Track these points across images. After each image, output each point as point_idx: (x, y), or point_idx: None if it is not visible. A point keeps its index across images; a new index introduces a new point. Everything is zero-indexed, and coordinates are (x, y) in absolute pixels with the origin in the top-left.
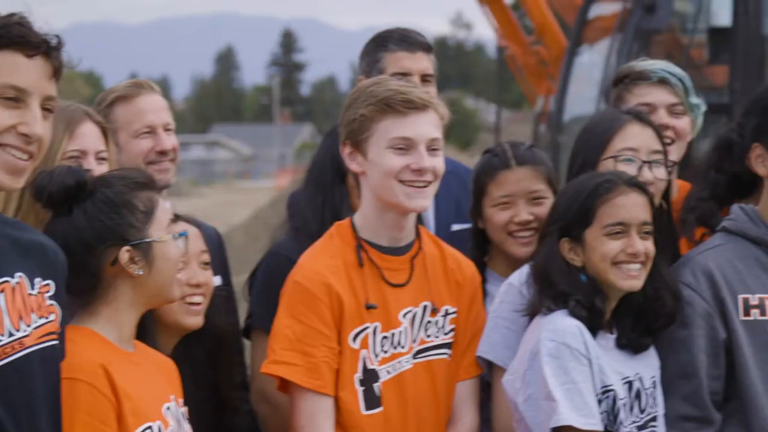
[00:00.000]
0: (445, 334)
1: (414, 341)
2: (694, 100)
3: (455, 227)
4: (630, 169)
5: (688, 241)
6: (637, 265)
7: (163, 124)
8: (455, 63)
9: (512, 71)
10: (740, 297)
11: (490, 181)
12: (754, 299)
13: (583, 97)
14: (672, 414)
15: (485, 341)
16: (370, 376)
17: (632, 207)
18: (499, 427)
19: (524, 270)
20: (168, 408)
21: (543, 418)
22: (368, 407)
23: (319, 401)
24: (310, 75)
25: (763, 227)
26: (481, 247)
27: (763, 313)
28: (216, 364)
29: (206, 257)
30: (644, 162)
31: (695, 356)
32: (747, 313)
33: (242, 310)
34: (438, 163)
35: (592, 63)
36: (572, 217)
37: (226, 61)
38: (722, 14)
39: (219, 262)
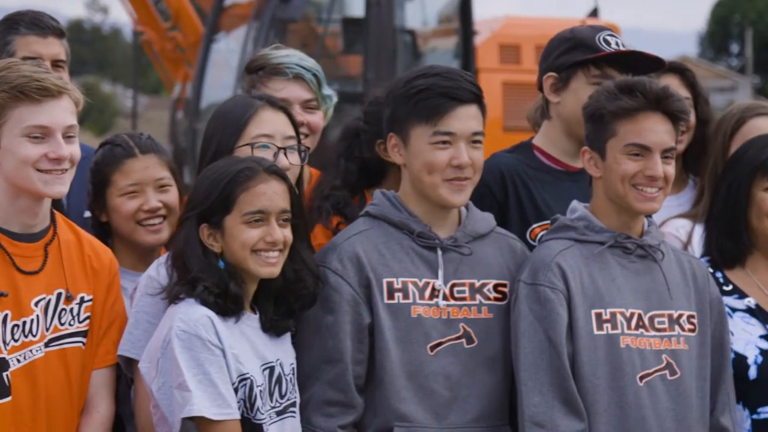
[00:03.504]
0: (80, 322)
1: (47, 329)
2: (326, 91)
3: (88, 213)
4: (266, 156)
5: (324, 229)
6: (275, 253)
7: None
8: (91, 47)
9: (149, 57)
10: (384, 281)
11: (115, 170)
12: (397, 283)
13: (220, 84)
14: (317, 399)
15: (127, 339)
16: None
17: (272, 195)
18: (142, 421)
19: (162, 261)
20: None
21: (176, 408)
22: None
23: None
24: None
25: (404, 212)
26: (103, 241)
27: (405, 297)
28: None
29: None
30: (279, 148)
31: (341, 342)
32: (391, 296)
33: None
34: (75, 150)
35: (229, 50)
36: (212, 204)
37: None
38: (356, 5)
39: None
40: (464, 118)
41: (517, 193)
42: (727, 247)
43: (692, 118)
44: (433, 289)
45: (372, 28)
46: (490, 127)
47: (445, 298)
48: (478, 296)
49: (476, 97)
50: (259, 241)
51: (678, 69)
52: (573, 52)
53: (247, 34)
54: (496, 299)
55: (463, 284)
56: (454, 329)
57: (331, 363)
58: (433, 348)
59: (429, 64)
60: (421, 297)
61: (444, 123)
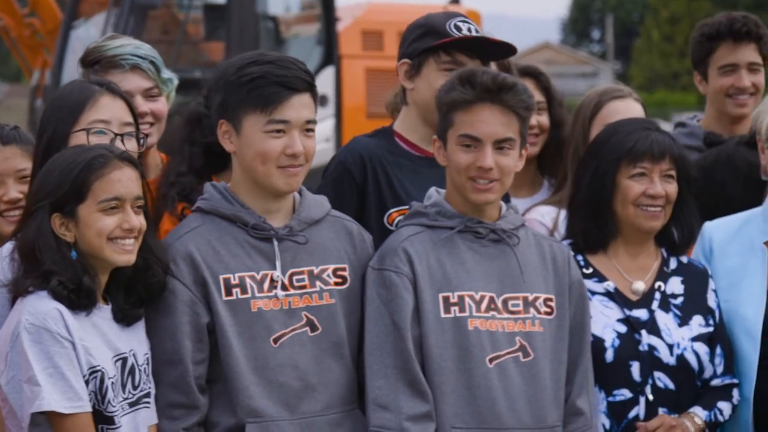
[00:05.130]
0: None
1: None
2: (166, 75)
3: None
4: (102, 142)
5: (170, 216)
6: (131, 240)
7: None
8: None
9: (7, 43)
10: (221, 278)
11: None
12: (234, 278)
13: (79, 71)
14: (161, 402)
15: None
16: None
17: (127, 182)
18: None
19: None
20: None
21: (25, 402)
22: None
23: None
24: None
25: (237, 204)
26: None
27: (244, 292)
28: None
29: None
30: (116, 134)
31: (180, 343)
32: (229, 293)
33: None
34: None
35: (88, 37)
36: (64, 193)
37: None
38: None
39: None
40: (298, 107)
41: (376, 177)
42: (592, 232)
43: (546, 120)
44: (272, 280)
45: (234, 15)
46: (353, 114)
47: (284, 288)
48: (318, 283)
49: (309, 86)
50: (115, 229)
51: (532, 73)
52: (424, 39)
53: (106, 21)
54: (336, 284)
55: (302, 272)
56: (297, 319)
57: (171, 365)
58: (276, 340)
59: (258, 51)
60: (260, 290)
61: (279, 112)
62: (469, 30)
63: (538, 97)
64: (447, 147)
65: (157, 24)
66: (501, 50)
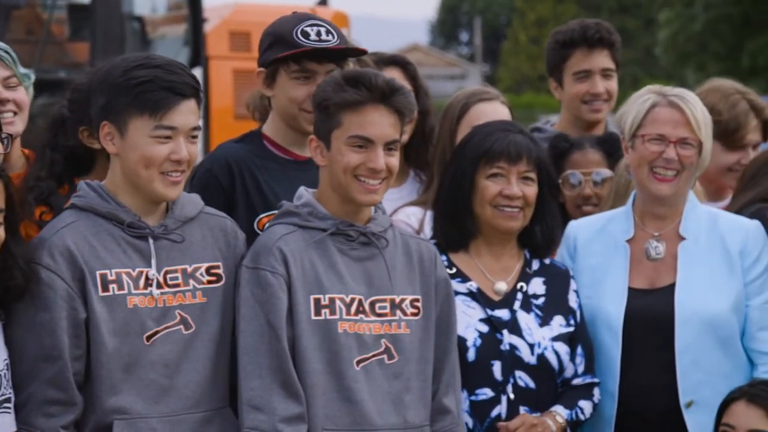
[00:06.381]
0: None
1: None
2: (22, 70)
3: None
4: None
5: (29, 222)
6: None
7: None
8: None
9: None
10: (98, 273)
11: None
12: (111, 274)
13: None
14: (36, 398)
15: None
16: None
17: None
18: None
19: None
20: None
21: None
22: None
23: None
24: None
25: (112, 202)
26: None
27: (120, 288)
28: None
29: None
30: None
31: (59, 339)
32: (105, 288)
33: None
34: None
35: None
36: None
37: None
38: None
39: None
40: (186, 113)
41: (244, 182)
42: (452, 233)
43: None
44: (147, 278)
45: (99, 15)
46: (221, 116)
47: (159, 286)
48: (191, 281)
49: (196, 91)
50: None
51: (400, 62)
52: (273, 49)
53: None
54: (209, 282)
55: (175, 270)
56: (170, 317)
57: (50, 361)
58: (149, 338)
59: (144, 54)
60: (136, 287)
61: (168, 118)
62: (318, 34)
63: (405, 85)
64: (331, 147)
65: (21, 24)
66: (350, 54)
